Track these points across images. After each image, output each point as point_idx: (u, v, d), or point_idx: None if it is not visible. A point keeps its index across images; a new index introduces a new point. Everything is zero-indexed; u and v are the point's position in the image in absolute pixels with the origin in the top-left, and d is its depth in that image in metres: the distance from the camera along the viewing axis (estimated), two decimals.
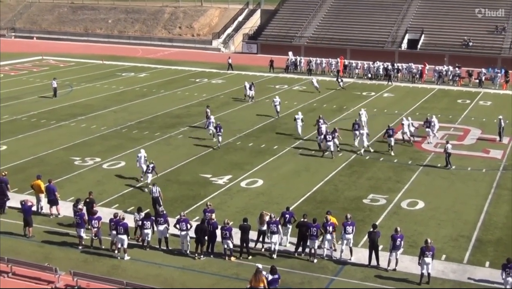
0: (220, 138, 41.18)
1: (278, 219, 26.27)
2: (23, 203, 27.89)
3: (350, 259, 25.33)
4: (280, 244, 26.02)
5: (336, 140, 39.68)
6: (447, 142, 38.20)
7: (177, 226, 25.88)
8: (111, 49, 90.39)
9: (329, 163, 37.86)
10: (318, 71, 70.77)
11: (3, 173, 31.41)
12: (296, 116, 44.48)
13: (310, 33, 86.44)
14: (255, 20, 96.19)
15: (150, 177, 33.12)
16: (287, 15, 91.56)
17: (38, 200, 30.16)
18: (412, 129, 43.29)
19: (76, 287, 23.08)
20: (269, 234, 25.65)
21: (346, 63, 70.63)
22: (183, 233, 25.80)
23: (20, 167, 36.74)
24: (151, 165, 33.39)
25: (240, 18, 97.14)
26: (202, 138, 42.95)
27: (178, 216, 26.24)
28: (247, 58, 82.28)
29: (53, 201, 29.74)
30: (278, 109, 49.55)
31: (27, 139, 42.94)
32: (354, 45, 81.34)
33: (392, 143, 40.14)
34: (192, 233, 25.86)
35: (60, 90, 58.90)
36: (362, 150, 40.04)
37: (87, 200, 28.35)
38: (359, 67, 69.41)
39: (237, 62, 76.88)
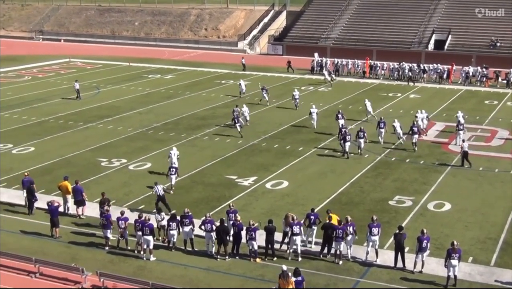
0: (238, 128, 43.67)
1: (303, 221, 26.28)
2: (49, 204, 28.18)
3: (375, 261, 25.21)
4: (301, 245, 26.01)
5: (362, 140, 39.72)
6: (463, 141, 38.09)
7: (202, 227, 25.97)
8: (137, 51, 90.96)
9: (355, 165, 37.73)
10: (344, 72, 70.64)
11: (26, 173, 31.81)
12: (311, 110, 46.32)
13: (336, 34, 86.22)
14: (281, 22, 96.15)
15: (173, 179, 33.34)
16: (313, 16, 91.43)
17: (65, 201, 30.43)
18: (426, 122, 44.00)
19: (102, 288, 23.26)
20: (291, 236, 25.54)
21: (372, 64, 70.33)
22: (209, 234, 25.88)
23: (48, 169, 37.10)
24: (174, 166, 33.68)
25: (265, 20, 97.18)
26: (227, 140, 43.09)
27: (204, 217, 26.34)
28: (273, 60, 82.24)
29: (80, 202, 29.99)
30: (297, 103, 52.24)
31: (54, 141, 43.35)
32: (380, 46, 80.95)
33: (415, 140, 40.44)
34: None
35: (87, 92, 59.56)
36: (401, 140, 41.67)
37: (102, 200, 28.55)
38: (385, 68, 69.08)
39: (263, 64, 77.02)
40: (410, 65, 67.44)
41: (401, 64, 67.81)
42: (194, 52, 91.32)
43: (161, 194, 29.97)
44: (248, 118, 47.00)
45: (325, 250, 25.86)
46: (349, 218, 25.78)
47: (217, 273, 24.58)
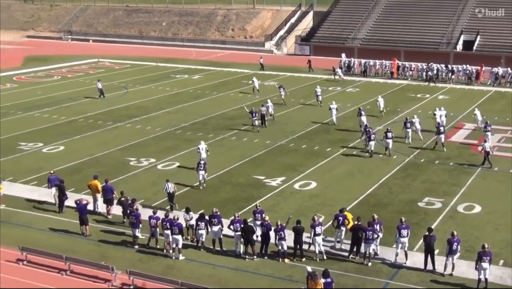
0: (256, 122, 45.66)
1: (331, 222, 26.32)
2: (78, 202, 28.42)
3: (405, 263, 25.06)
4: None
5: (390, 140, 39.60)
6: (485, 141, 38.01)
7: (231, 227, 26.02)
8: (165, 52, 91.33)
9: (383, 166, 37.55)
10: (371, 73, 70.35)
11: (51, 172, 32.23)
12: (331, 106, 47.79)
13: (363, 34, 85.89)
14: (308, 22, 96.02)
15: (203, 174, 33.62)
16: (340, 16, 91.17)
17: (95, 200, 30.68)
18: (444, 120, 44.34)
19: (132, 286, 23.42)
20: (313, 236, 25.52)
21: (400, 64, 69.93)
22: (237, 234, 25.93)
23: (77, 168, 37.40)
24: (202, 162, 33.94)
25: (292, 20, 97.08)
26: (255, 140, 43.15)
27: (232, 217, 26.38)
28: (299, 60, 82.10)
29: (109, 201, 30.18)
30: (320, 99, 53.78)
31: (83, 140, 43.73)
32: (408, 47, 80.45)
33: (442, 140, 40.57)
34: None
35: (115, 92, 60.11)
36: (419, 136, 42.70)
37: (122, 198, 28.80)
38: (413, 68, 68.67)
39: (290, 64, 76.99)
40: (438, 66, 66.96)
41: (430, 64, 67.32)
42: (221, 52, 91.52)
43: (170, 192, 30.34)
44: (272, 112, 48.23)
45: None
46: (376, 216, 25.70)
47: (246, 273, 24.62)
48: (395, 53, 76.60)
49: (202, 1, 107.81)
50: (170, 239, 25.85)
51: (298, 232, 25.60)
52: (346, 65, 72.11)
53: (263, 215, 26.63)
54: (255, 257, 25.67)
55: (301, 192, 33.36)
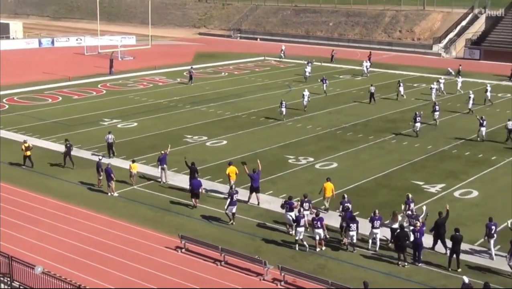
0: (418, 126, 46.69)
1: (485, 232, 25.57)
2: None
3: None
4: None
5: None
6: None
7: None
8: (329, 52, 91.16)
9: None
10: None
11: (162, 152, 34.96)
12: (432, 86, 56.09)
13: None
14: (480, 25, 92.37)
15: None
16: None
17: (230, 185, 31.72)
18: None
19: (282, 282, 23.74)
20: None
21: None
22: (374, 231, 26.30)
23: (238, 162, 38.13)
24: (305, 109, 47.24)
25: (463, 23, 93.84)
26: (416, 144, 42.27)
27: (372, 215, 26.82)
28: (469, 64, 79.23)
29: (256, 189, 30.96)
30: (489, 97, 55.25)
31: (246, 136, 44.85)
32: None
33: None
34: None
35: (279, 90, 61.08)
36: None
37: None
38: None
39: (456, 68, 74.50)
40: None
41: None
42: (386, 54, 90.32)
43: (110, 142, 38.08)
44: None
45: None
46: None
47: (397, 279, 24.23)
48: None
49: (370, 1, 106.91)
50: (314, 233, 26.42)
51: (456, 241, 24.83)
52: None
53: (415, 221, 26.10)
54: (406, 263, 25.20)
55: (461, 200, 32.27)
